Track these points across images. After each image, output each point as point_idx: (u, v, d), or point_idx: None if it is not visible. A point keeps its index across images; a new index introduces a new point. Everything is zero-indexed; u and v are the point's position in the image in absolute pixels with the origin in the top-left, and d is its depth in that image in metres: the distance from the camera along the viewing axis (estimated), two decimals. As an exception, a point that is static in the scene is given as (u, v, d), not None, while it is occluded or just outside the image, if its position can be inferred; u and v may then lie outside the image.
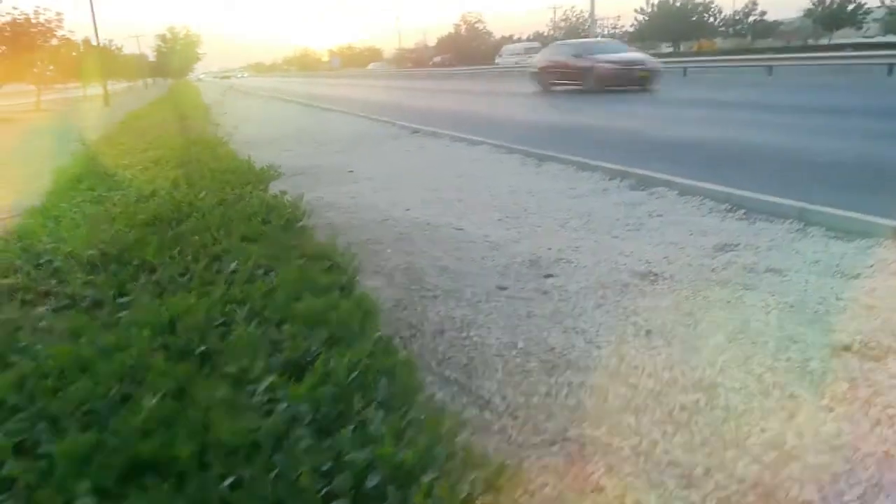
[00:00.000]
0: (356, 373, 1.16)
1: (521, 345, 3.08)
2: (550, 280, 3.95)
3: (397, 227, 5.36)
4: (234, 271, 1.65)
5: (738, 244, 4.49)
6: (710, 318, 3.27)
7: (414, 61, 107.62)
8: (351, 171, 8.35)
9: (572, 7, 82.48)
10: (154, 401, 1.12)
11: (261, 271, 1.64)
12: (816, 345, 2.94)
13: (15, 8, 30.09)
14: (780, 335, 3.05)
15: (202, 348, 1.33)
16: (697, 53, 50.77)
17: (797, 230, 4.74)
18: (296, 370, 1.24)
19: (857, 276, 3.77)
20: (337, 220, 5.67)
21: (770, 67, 24.99)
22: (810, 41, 55.54)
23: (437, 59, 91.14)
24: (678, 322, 3.24)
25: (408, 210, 5.98)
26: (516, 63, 53.10)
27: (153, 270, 1.73)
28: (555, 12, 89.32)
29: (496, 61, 61.62)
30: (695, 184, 6.03)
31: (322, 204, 6.42)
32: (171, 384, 1.17)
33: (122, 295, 1.65)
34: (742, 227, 4.90)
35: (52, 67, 40.13)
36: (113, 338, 1.35)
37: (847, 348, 2.91)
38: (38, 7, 32.37)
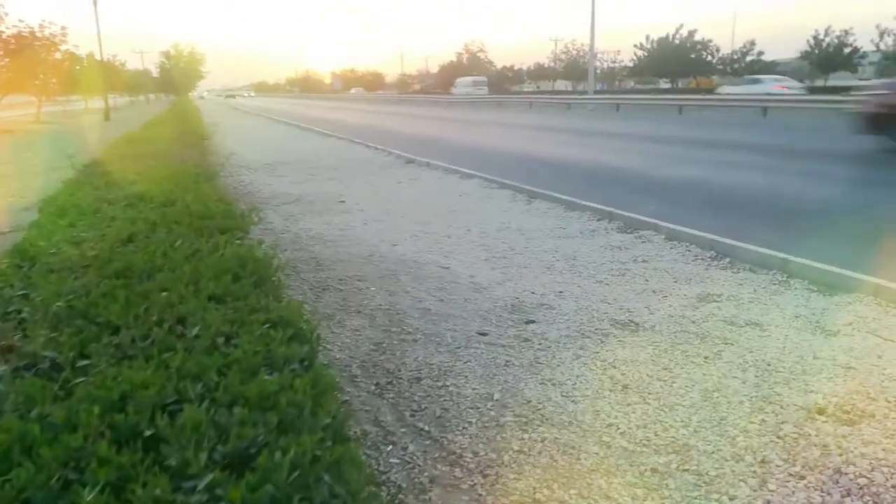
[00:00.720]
0: (299, 470, 1.14)
1: (497, 396, 3.06)
2: (531, 326, 3.95)
3: (383, 264, 5.36)
4: (196, 336, 1.63)
5: (721, 295, 4.51)
6: (688, 373, 3.27)
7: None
8: (342, 201, 8.38)
9: (573, 40, 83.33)
10: (92, 496, 1.10)
11: (222, 339, 1.62)
12: (791, 406, 2.94)
13: (21, 20, 30.36)
14: (755, 395, 3.05)
15: (149, 432, 1.31)
16: (696, 90, 51.40)
17: (780, 281, 4.76)
18: (241, 462, 1.23)
19: (835, 334, 3.78)
20: (323, 254, 5.68)
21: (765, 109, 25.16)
22: (807, 82, 56.27)
23: (417, 86, 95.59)
24: (655, 377, 3.24)
25: (395, 245, 5.99)
26: (467, 94, 56.68)
27: (117, 330, 1.72)
28: (556, 44, 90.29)
29: (451, 91, 64.90)
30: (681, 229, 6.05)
31: (311, 235, 6.44)
32: (112, 474, 1.15)
33: (83, 356, 1.64)
34: (725, 277, 4.92)
35: (54, 80, 40.50)
36: (63, 413, 1.34)
37: (822, 411, 2.91)
38: (44, 21, 32.78)
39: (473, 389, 3.12)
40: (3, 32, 28.36)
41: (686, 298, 4.45)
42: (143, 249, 2.23)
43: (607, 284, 4.81)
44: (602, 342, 3.68)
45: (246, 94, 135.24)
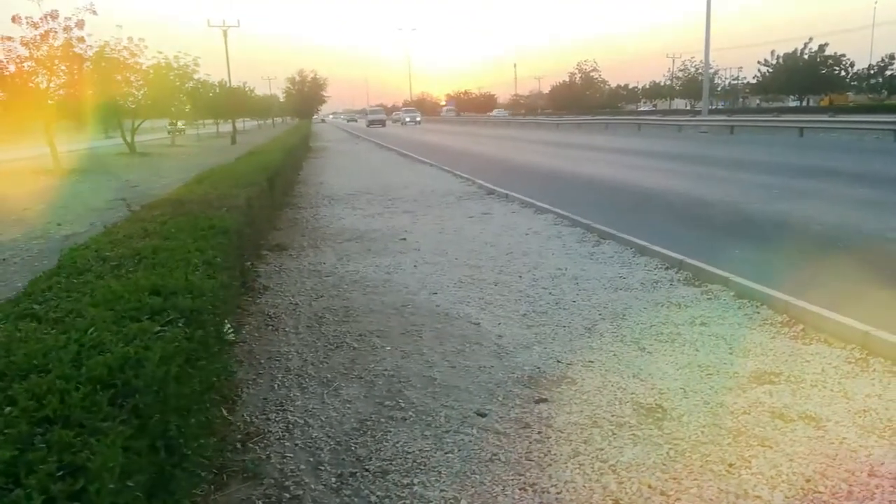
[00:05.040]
0: None
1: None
2: (540, 407, 3.53)
3: (413, 317, 5.08)
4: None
5: (780, 374, 3.88)
6: (699, 487, 2.75)
7: (527, 108, 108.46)
8: (403, 239, 8.20)
9: (691, 57, 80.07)
10: None
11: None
12: (820, 547, 2.37)
13: (160, 52, 33.09)
14: (777, 527, 2.49)
15: None
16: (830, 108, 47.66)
17: (857, 359, 4.05)
18: None
19: (910, 440, 3.10)
20: (357, 303, 5.48)
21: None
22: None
23: (495, 111, 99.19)
24: (658, 489, 2.74)
25: (434, 294, 5.70)
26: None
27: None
28: (673, 62, 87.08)
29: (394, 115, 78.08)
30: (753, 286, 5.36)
31: (354, 279, 6.28)
32: None
33: None
34: (793, 350, 4.25)
35: (188, 106, 43.87)
36: None
37: (860, 558, 2.32)
38: (179, 52, 35.77)
39: (441, 492, 2.76)
40: (142, 64, 30.87)
41: (736, 378, 3.86)
42: (56, 337, 2.10)
43: (649, 353, 4.28)
44: (613, 435, 3.20)
45: (409, 120, 73.63)
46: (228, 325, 4.34)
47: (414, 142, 34.90)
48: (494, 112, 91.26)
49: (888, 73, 55.36)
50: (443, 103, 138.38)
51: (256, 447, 3.13)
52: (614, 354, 4.27)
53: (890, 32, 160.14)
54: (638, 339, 4.53)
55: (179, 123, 53.41)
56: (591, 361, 4.16)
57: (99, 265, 3.42)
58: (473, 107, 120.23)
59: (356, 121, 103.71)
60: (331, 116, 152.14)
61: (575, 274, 6.27)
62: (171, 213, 4.97)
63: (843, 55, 58.11)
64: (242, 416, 3.45)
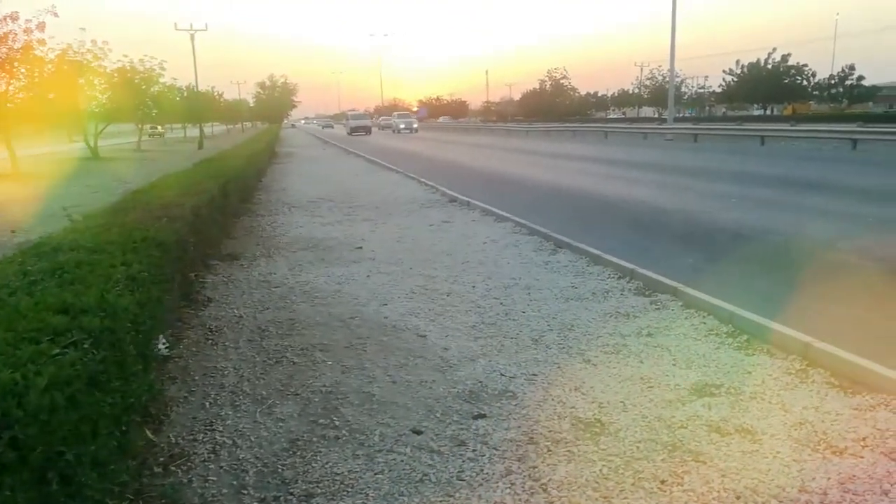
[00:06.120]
0: None
1: (387, 527, 2.61)
2: (478, 423, 3.46)
3: (359, 329, 4.99)
4: None
5: (720, 386, 3.87)
6: (630, 506, 2.70)
7: (498, 115, 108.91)
8: (360, 248, 8.09)
9: (659, 66, 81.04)
10: None
11: None
12: (744, 568, 2.34)
13: (125, 55, 32.58)
14: (703, 546, 2.46)
15: None
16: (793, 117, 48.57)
17: (797, 370, 4.06)
18: None
19: (841, 452, 3.10)
20: (303, 315, 5.36)
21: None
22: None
23: (442, 118, 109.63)
24: (589, 509, 2.69)
25: (384, 305, 5.61)
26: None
27: None
28: (641, 70, 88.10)
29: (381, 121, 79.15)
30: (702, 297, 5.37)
31: (305, 290, 6.16)
32: None
33: None
34: (735, 360, 4.25)
35: (155, 111, 43.18)
36: None
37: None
38: (145, 55, 35.31)
39: (365, 516, 2.68)
40: (106, 67, 30.25)
41: (676, 390, 3.84)
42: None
43: (594, 366, 4.24)
44: (548, 452, 3.15)
45: (403, 127, 62.05)
46: (164, 341, 4.22)
47: (383, 148, 34.76)
48: (441, 119, 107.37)
49: (848, 82, 56.77)
50: (415, 109, 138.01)
51: (179, 470, 3.01)
52: (558, 367, 4.23)
53: (850, 44, 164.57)
54: (583, 352, 4.50)
55: (159, 127, 54.82)
56: (535, 375, 4.11)
57: (18, 280, 3.28)
58: (447, 112, 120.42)
59: (332, 127, 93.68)
60: (302, 121, 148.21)
61: (528, 284, 6.24)
62: (107, 224, 4.82)
63: (806, 65, 59.46)
64: (168, 436, 3.33)
